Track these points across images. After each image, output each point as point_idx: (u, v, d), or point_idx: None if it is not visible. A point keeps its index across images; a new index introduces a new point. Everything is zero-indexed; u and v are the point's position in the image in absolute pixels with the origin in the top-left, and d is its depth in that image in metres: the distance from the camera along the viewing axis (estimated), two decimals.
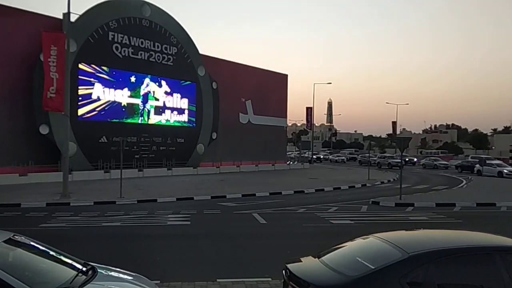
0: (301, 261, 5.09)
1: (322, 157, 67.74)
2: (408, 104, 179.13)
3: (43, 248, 4.94)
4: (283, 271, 4.86)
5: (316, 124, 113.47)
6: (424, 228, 6.24)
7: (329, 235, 11.50)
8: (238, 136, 39.43)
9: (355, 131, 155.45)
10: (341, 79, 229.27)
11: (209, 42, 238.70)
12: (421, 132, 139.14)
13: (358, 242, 5.28)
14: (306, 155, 60.10)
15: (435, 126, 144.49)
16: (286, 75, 47.71)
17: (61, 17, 25.90)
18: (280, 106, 46.16)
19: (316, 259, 4.96)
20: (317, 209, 16.76)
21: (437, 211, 16.80)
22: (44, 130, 24.83)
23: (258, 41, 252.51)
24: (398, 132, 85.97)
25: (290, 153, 63.80)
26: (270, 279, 7.46)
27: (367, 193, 22.78)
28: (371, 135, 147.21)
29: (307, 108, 59.18)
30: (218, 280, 7.42)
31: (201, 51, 35.70)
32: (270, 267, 8.15)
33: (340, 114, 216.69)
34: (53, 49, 18.99)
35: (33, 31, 23.49)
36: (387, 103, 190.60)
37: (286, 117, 48.25)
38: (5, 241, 4.58)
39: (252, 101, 41.87)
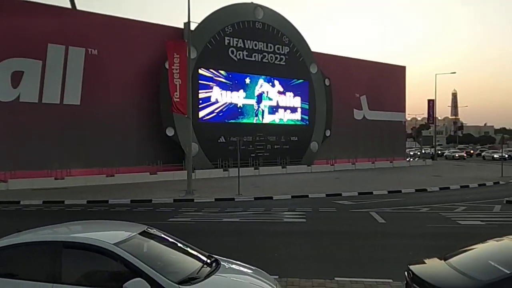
0: (425, 263, 4.82)
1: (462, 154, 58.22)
2: None
3: (172, 240, 5.36)
4: (406, 273, 4.64)
5: (439, 118, 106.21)
6: None
7: (456, 237, 10.68)
8: (352, 133, 38.52)
9: (485, 124, 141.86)
10: (466, 68, 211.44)
11: (321, 38, 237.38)
12: None
13: (491, 244, 4.83)
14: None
15: None
16: (404, 67, 45.35)
17: (182, 26, 27.91)
18: (397, 100, 44.02)
19: (443, 261, 4.65)
20: (442, 209, 15.63)
21: None
22: (170, 132, 26.96)
23: (373, 34, 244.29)
24: None
25: (410, 149, 60.50)
26: (391, 280, 7.15)
27: (500, 192, 20.64)
28: (504, 128, 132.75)
29: (429, 101, 55.56)
30: (336, 278, 7.32)
31: (312, 48, 35.63)
32: (391, 268, 7.83)
33: (466, 106, 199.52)
34: (176, 56, 20.51)
35: (158, 41, 25.64)
36: None
37: (404, 111, 45.86)
38: (140, 233, 5.07)
39: (367, 96, 40.58)
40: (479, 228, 12.24)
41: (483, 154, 58.06)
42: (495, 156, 50.96)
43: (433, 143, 59.77)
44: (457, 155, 58.64)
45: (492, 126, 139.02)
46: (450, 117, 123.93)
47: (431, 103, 55.00)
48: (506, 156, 49.33)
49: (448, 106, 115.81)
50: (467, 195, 19.88)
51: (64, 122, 24.26)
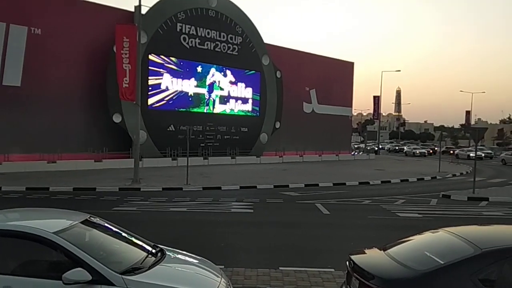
0: (365, 253, 4.99)
1: (416, 150, 54.76)
2: (484, 92, 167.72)
3: (116, 230, 5.22)
4: (347, 262, 4.79)
5: (383, 114, 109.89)
6: (499, 224, 5.86)
7: (395, 228, 11.17)
8: (301, 126, 39.15)
9: (425, 121, 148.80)
10: (411, 66, 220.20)
11: (273, 31, 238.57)
12: (498, 122, 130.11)
13: (427, 236, 5.08)
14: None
15: None
16: (352, 63, 46.58)
17: (132, 9, 27.04)
18: (345, 95, 45.21)
19: (382, 251, 4.84)
20: (383, 201, 16.30)
21: None
22: (117, 118, 26.17)
23: (324, 29, 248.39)
24: (472, 122, 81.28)
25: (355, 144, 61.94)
26: (333, 269, 7.38)
27: (437, 186, 21.80)
28: (443, 125, 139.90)
29: (374, 97, 57.47)
30: (280, 268, 7.46)
31: (265, 40, 35.73)
32: (333, 258, 8.07)
33: (409, 103, 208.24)
34: (126, 41, 19.85)
35: (106, 23, 24.71)
36: (461, 91, 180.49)
37: (351, 106, 47.22)
38: (82, 222, 4.89)
39: (316, 90, 41.36)
40: (416, 220, 12.85)
41: (456, 152, 51.46)
42: (471, 154, 45.55)
43: (377, 138, 62.04)
44: (417, 151, 54.96)
45: (432, 124, 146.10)
46: (393, 113, 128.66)
47: (377, 99, 56.93)
48: (483, 155, 47.97)
49: (392, 103, 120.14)
50: (407, 188, 20.83)
51: (3, 104, 22.91)
